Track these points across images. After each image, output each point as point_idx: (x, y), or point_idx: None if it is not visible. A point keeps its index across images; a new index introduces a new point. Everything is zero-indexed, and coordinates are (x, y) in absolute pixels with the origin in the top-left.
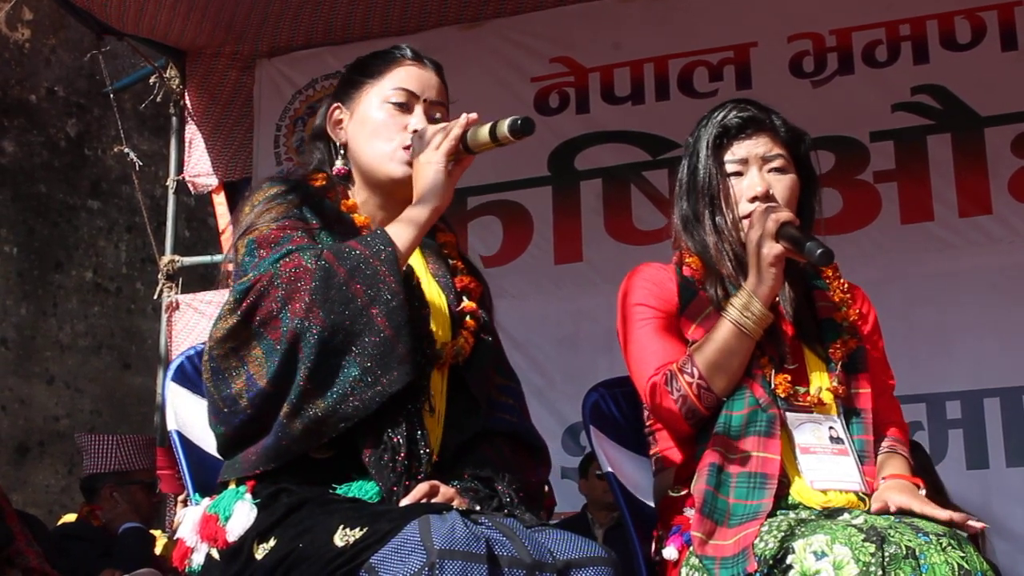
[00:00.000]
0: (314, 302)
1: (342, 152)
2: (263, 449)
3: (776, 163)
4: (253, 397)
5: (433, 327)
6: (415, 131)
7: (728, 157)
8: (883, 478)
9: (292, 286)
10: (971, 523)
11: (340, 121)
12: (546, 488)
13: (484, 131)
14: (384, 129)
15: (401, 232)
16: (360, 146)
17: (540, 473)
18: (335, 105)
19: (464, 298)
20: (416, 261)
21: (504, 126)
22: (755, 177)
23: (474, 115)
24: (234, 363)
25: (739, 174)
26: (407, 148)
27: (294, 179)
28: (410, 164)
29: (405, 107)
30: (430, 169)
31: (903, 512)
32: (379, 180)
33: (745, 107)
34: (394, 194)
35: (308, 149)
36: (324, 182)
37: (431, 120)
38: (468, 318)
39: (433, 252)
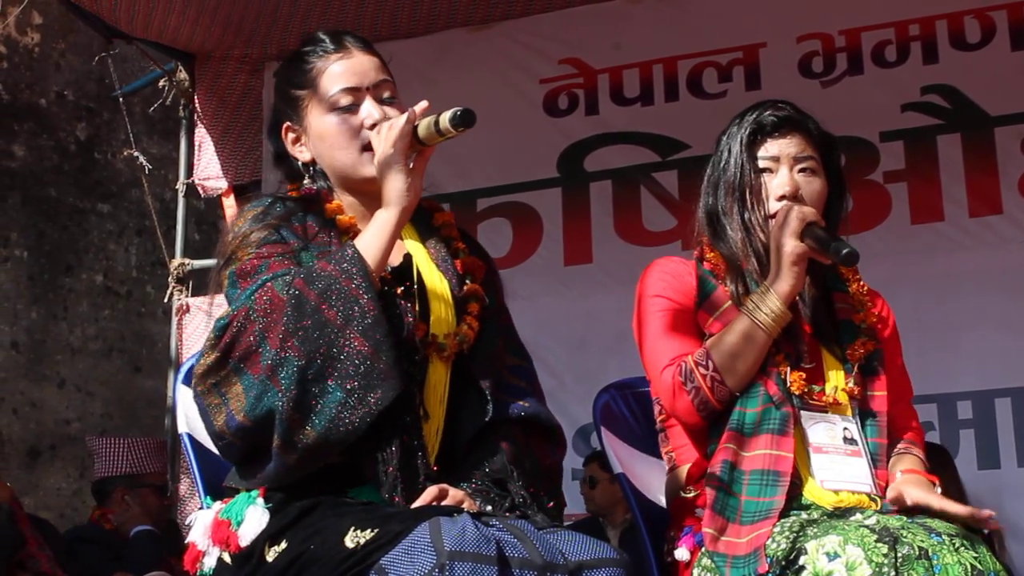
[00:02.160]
0: (288, 332)
1: (311, 170)
2: (265, 475)
3: (807, 164)
4: (235, 432)
5: (436, 316)
6: (373, 124)
7: (761, 154)
8: (899, 471)
9: (268, 319)
10: (990, 521)
11: (297, 139)
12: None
13: (429, 123)
14: (341, 138)
15: (371, 242)
16: (327, 160)
17: (556, 455)
18: (286, 125)
19: (467, 281)
20: (416, 250)
21: (446, 119)
22: (785, 176)
23: (423, 104)
24: (215, 400)
25: (770, 171)
26: (367, 148)
27: (274, 196)
28: None
29: (352, 106)
30: (389, 169)
31: (919, 507)
32: (356, 184)
33: (782, 107)
34: (376, 191)
35: (277, 165)
36: (302, 194)
37: (382, 102)
38: (471, 302)
39: (433, 236)
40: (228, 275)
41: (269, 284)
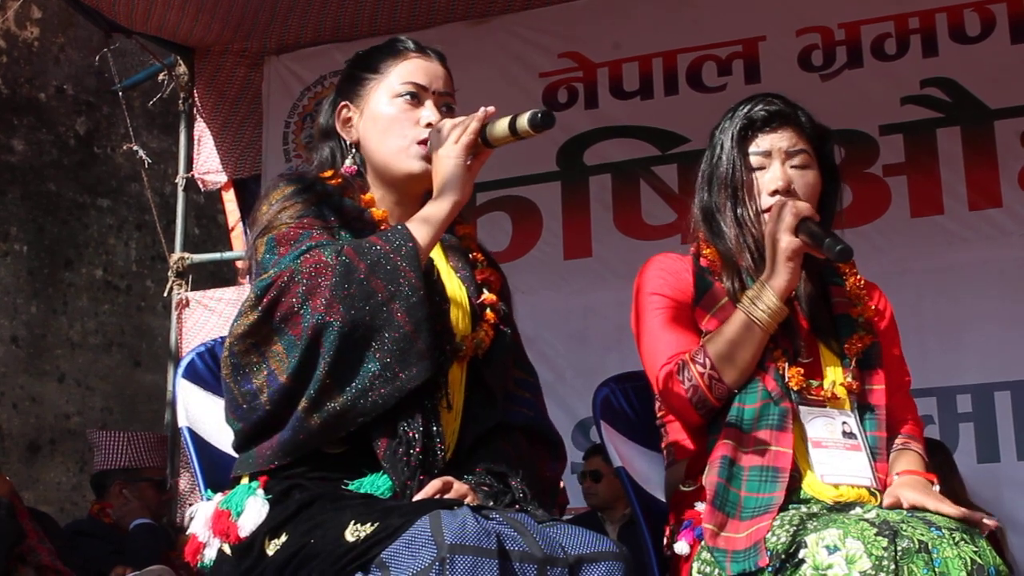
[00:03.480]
0: (334, 297)
1: (353, 151)
2: (279, 444)
3: (799, 158)
4: (273, 393)
5: (454, 320)
6: (430, 124)
7: (752, 149)
8: (896, 474)
9: (312, 282)
10: (985, 521)
11: (349, 119)
12: (561, 485)
13: (503, 125)
14: (397, 125)
15: (421, 227)
16: (374, 144)
17: (556, 468)
18: (343, 103)
19: (484, 290)
20: (436, 254)
21: (524, 120)
22: (777, 171)
23: (491, 108)
24: (255, 359)
25: (762, 167)
26: (422, 142)
27: (310, 177)
28: (426, 159)
29: (416, 100)
30: (450, 163)
31: (916, 509)
32: (396, 176)
33: (772, 101)
34: (410, 190)
35: (316, 148)
36: (340, 180)
37: (441, 111)
38: (488, 310)
39: (453, 245)
40: (265, 241)
41: (316, 249)
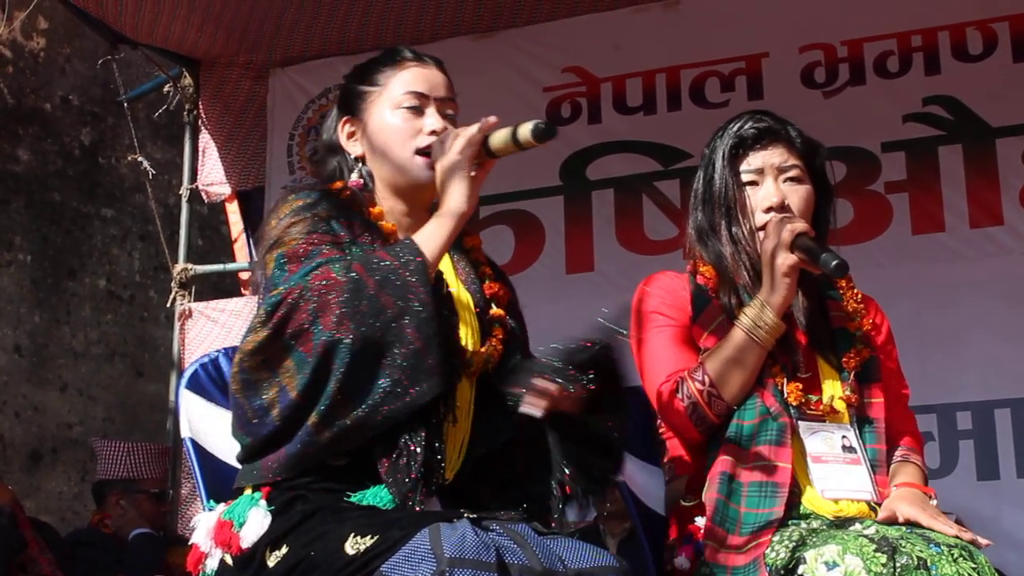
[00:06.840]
0: (344, 314)
1: (359, 165)
2: (285, 457)
3: (792, 173)
4: (284, 408)
5: (463, 335)
6: (434, 132)
7: (744, 167)
8: (895, 486)
9: (322, 299)
10: (978, 540)
11: (353, 134)
12: None
13: (505, 135)
14: (400, 136)
15: (429, 240)
16: (379, 156)
17: None
18: (344, 118)
19: (493, 304)
20: (446, 266)
21: (527, 130)
22: (771, 187)
23: (494, 118)
24: (265, 375)
25: (755, 184)
26: (426, 152)
27: (320, 190)
28: (431, 167)
29: (418, 110)
30: (453, 175)
31: (911, 524)
32: (403, 187)
33: (761, 118)
34: (419, 199)
35: (322, 162)
36: (348, 193)
37: (444, 117)
38: (497, 325)
39: (462, 257)
40: (275, 257)
41: (325, 266)
